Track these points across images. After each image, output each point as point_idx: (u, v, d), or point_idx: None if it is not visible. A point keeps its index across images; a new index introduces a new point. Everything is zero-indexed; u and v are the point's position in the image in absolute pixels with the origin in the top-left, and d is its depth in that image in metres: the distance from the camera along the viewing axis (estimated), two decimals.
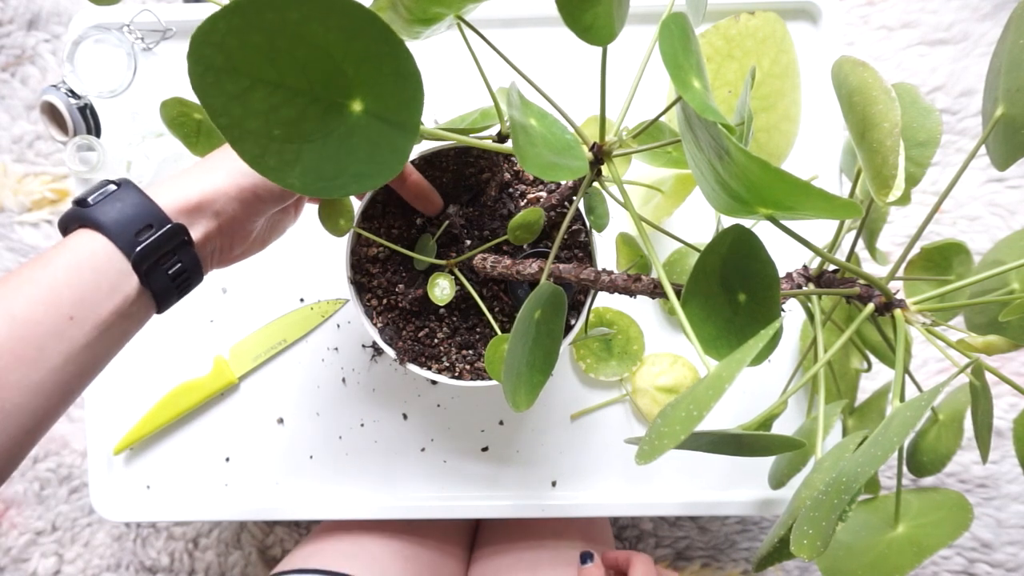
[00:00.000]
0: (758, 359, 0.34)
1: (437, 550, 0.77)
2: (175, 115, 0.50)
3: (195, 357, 0.74)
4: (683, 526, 1.10)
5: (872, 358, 0.60)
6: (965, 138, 1.09)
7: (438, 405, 0.73)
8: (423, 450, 0.73)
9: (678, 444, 0.29)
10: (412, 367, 0.57)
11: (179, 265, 0.43)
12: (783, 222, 0.35)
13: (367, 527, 0.74)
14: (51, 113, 0.70)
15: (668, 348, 0.73)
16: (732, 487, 0.73)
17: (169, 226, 0.42)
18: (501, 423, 0.73)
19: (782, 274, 0.42)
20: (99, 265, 0.40)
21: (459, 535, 0.83)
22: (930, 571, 1.08)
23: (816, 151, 0.72)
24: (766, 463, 0.68)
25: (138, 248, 0.41)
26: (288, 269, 0.74)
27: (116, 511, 0.74)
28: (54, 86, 0.70)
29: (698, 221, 0.72)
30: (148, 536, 1.08)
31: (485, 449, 0.73)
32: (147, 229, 0.41)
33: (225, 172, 0.45)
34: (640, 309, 0.73)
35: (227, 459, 0.74)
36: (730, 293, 0.38)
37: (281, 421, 0.74)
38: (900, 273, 0.53)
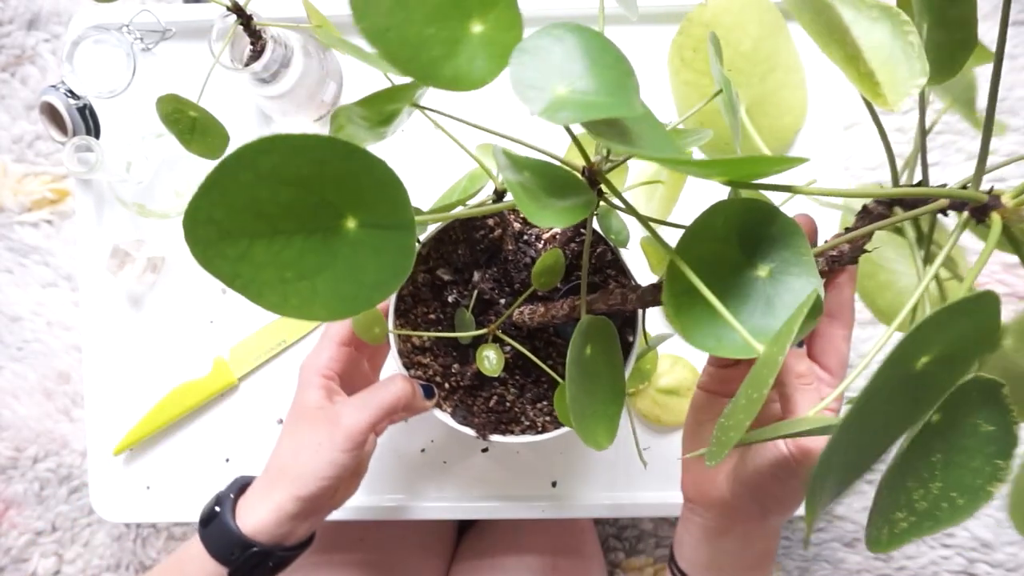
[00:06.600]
0: (804, 329, 0.32)
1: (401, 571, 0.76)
2: (170, 111, 0.50)
3: (195, 358, 0.74)
4: None
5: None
6: (965, 138, 1.09)
7: None
8: (423, 450, 0.73)
9: (743, 435, 0.29)
10: (495, 438, 0.56)
11: (271, 565, 0.53)
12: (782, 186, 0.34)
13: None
14: (51, 113, 0.70)
15: (668, 349, 0.73)
16: None
17: (252, 551, 0.52)
18: None
19: (853, 217, 0.39)
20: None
21: (438, 546, 0.82)
22: (930, 571, 1.08)
23: (816, 147, 0.72)
24: None
25: (232, 565, 0.52)
26: None
27: (116, 512, 0.74)
28: (54, 86, 0.70)
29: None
30: (148, 536, 1.08)
31: (485, 450, 0.73)
32: (237, 549, 0.52)
33: (281, 497, 0.52)
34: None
35: (227, 460, 0.74)
36: (750, 268, 0.36)
37: (281, 421, 0.74)
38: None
